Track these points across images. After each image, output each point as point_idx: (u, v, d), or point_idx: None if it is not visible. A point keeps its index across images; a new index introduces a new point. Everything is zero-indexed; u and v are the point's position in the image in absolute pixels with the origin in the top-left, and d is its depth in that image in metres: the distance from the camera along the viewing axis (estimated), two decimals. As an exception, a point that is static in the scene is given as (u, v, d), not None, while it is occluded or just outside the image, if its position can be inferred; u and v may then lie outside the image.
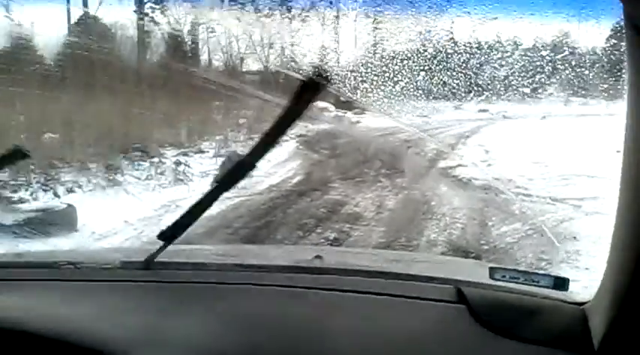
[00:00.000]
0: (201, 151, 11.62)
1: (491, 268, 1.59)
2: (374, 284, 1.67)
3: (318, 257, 1.88)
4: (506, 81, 10.16)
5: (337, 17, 15.13)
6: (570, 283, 1.50)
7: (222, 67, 17.03)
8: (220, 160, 10.30)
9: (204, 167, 10.19)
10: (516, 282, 1.55)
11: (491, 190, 8.08)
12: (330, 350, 1.43)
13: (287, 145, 11.87)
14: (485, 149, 11.31)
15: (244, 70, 17.23)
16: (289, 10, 14.70)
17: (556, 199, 7.64)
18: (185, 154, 11.05)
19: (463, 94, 11.30)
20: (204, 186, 8.75)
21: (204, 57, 17.16)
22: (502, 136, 12.49)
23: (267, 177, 9.12)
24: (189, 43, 16.50)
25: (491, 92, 10.68)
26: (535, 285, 1.54)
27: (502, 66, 10.52)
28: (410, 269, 1.87)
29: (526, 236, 6.15)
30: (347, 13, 14.60)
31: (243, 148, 11.25)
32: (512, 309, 1.49)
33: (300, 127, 13.51)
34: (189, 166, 10.14)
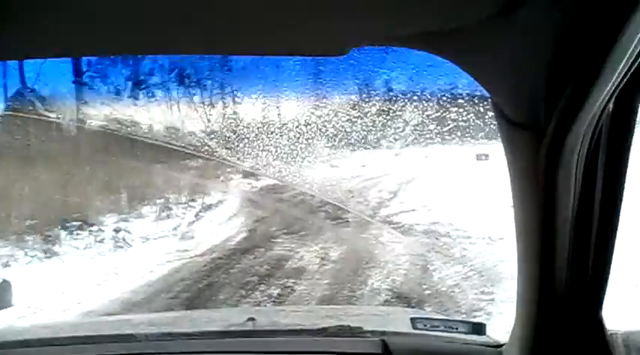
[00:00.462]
0: (142, 216, 11.43)
1: (412, 318, 1.68)
2: (304, 343, 1.75)
3: (251, 319, 1.91)
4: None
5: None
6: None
7: (162, 130, 16.90)
8: (161, 224, 10.20)
9: (144, 232, 10.02)
10: (436, 330, 1.64)
11: (433, 234, 8.19)
12: None
13: (231, 202, 11.81)
14: (425, 194, 11.48)
15: (186, 131, 17.13)
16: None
17: (493, 239, 7.78)
18: (125, 220, 10.85)
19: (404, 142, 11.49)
20: (145, 251, 8.63)
21: (144, 121, 17.01)
22: (440, 179, 12.70)
23: (209, 236, 9.03)
24: (129, 106, 16.36)
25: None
26: (454, 332, 1.63)
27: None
28: (339, 325, 1.91)
29: (466, 278, 6.24)
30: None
31: (184, 210, 11.17)
32: None
33: (243, 184, 13.50)
34: (129, 232, 9.96)
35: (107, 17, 1.01)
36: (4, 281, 7.28)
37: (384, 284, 6.45)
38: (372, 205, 11.09)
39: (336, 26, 1.07)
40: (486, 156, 13.77)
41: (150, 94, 16.14)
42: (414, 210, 10.27)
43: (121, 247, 9.34)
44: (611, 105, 1.06)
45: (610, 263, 1.18)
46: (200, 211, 11.25)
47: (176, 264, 7.47)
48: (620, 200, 1.14)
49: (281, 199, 12.36)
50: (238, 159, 15.14)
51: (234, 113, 16.69)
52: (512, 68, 1.09)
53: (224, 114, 16.54)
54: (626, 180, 1.13)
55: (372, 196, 11.94)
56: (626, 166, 1.12)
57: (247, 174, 14.28)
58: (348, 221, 9.80)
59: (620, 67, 0.94)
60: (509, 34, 1.02)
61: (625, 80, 0.99)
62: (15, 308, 6.68)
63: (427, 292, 6.13)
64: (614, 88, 1.00)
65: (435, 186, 12.03)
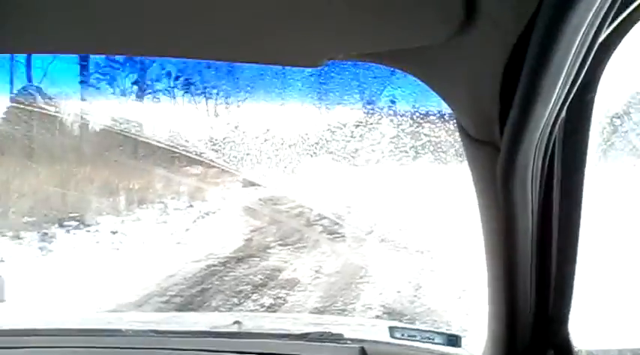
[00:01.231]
0: (139, 219, 11.44)
1: (390, 327, 1.73)
2: (286, 346, 1.78)
3: (237, 322, 1.97)
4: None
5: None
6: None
7: (165, 134, 16.91)
8: (158, 228, 10.22)
9: (141, 235, 10.03)
10: (414, 340, 1.69)
11: (426, 253, 8.21)
12: None
13: (228, 211, 11.82)
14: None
15: (187, 137, 17.12)
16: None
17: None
18: (122, 222, 10.86)
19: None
20: (140, 254, 8.63)
21: (147, 124, 17.02)
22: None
23: (205, 243, 9.05)
24: (134, 109, 16.39)
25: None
26: (431, 342, 1.68)
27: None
28: (321, 331, 1.96)
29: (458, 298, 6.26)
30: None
31: (181, 216, 11.17)
32: None
33: (243, 193, 13.50)
34: (125, 234, 9.97)
35: (103, 15, 1.06)
36: (-2, 276, 7.30)
37: (376, 300, 6.47)
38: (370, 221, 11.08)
39: (308, 39, 1.13)
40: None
41: (155, 99, 16.22)
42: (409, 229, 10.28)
43: (117, 249, 9.35)
44: (562, 116, 1.08)
45: (572, 277, 1.19)
46: (197, 218, 11.28)
47: (171, 269, 7.47)
48: (579, 213, 1.17)
49: (279, 210, 12.37)
50: (238, 168, 15.19)
51: (238, 121, 16.78)
52: (471, 86, 1.12)
53: (227, 122, 16.61)
54: (584, 193, 1.15)
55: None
56: (582, 178, 1.15)
57: (247, 184, 14.31)
58: (344, 236, 9.80)
59: (560, 82, 0.96)
60: (468, 53, 1.06)
61: (572, 91, 1.01)
62: (7, 303, 6.67)
63: (418, 310, 6.15)
64: (560, 101, 1.02)
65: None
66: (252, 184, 14.31)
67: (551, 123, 1.06)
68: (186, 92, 13.48)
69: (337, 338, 1.81)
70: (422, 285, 6.91)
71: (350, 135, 10.17)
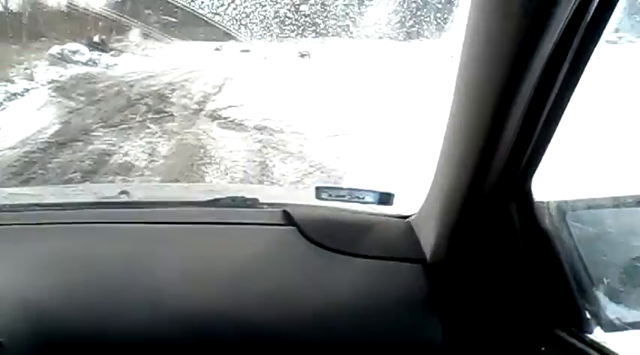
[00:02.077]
0: None
1: (316, 187, 1.59)
2: (191, 214, 1.60)
3: (123, 192, 1.79)
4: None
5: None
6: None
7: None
8: None
9: None
10: (342, 200, 1.57)
11: (266, 131, 8.02)
12: (158, 285, 1.36)
13: (37, 93, 10.63)
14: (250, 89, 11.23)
15: None
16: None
17: (329, 136, 7.79)
18: None
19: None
20: None
21: None
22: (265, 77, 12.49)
23: (17, 128, 8.05)
24: None
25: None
26: (361, 202, 1.57)
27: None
28: (233, 196, 1.75)
29: (307, 174, 6.18)
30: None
31: None
32: (340, 227, 1.51)
33: (51, 72, 12.24)
34: None
35: None
36: None
37: (222, 181, 6.16)
38: (196, 99, 10.60)
39: None
40: (307, 54, 13.83)
41: None
42: (242, 105, 9.98)
43: None
44: None
45: (553, 133, 1.10)
46: (4, 100, 9.95)
47: (-20, 159, 6.55)
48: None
49: (95, 90, 11.39)
50: (43, 43, 13.78)
51: None
52: None
53: None
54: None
55: (196, 90, 11.43)
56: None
57: (55, 61, 12.99)
58: (172, 115, 9.28)
59: None
60: None
61: None
62: None
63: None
64: None
65: (261, 82, 11.80)
66: (61, 61, 13.06)
67: None
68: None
69: (254, 203, 1.64)
70: (268, 165, 6.71)
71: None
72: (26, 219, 1.55)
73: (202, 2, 9.40)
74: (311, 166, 6.34)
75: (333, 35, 11.37)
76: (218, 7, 9.44)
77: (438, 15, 8.73)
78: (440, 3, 8.11)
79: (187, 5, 9.93)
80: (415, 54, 9.77)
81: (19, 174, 6.27)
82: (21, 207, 1.66)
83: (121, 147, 7.47)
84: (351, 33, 11.21)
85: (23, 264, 1.40)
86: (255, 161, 6.83)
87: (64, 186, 5.11)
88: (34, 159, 6.83)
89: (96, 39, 14.46)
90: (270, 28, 10.09)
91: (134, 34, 15.07)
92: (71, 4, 15.09)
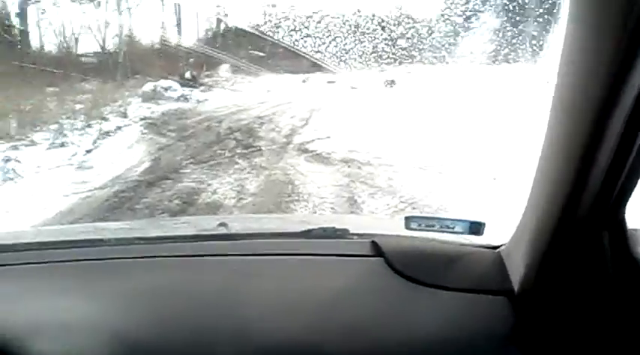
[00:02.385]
0: (34, 144, 10.23)
1: (406, 217, 1.58)
2: (285, 246, 1.63)
3: (222, 224, 1.85)
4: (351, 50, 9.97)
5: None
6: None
7: (55, 49, 15.52)
8: (55, 151, 9.19)
9: (37, 161, 8.95)
10: (432, 230, 1.55)
11: (354, 163, 7.80)
12: (249, 316, 1.38)
13: (130, 130, 10.89)
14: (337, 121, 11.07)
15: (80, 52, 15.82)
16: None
17: (421, 168, 7.47)
18: (15, 148, 9.67)
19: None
20: (38, 183, 7.71)
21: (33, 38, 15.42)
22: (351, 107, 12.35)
23: (108, 167, 8.20)
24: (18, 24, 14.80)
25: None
26: (451, 232, 1.55)
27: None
28: (323, 227, 1.77)
29: (398, 210, 5.88)
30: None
31: (80, 137, 10.17)
32: (428, 258, 1.49)
33: (143, 109, 12.58)
34: (19, 162, 8.86)
35: None
36: None
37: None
38: (284, 133, 10.54)
39: None
40: (393, 82, 13.61)
41: (41, 11, 14.67)
42: (329, 137, 9.83)
43: (11, 179, 8.27)
44: None
45: None
46: (98, 138, 10.23)
47: (74, 199, 6.63)
48: None
49: (185, 125, 11.58)
50: (137, 80, 14.29)
51: (131, 31, 15.74)
52: None
53: (121, 33, 15.52)
54: None
55: (284, 123, 11.40)
56: None
57: (148, 98, 13.38)
58: (260, 149, 9.23)
59: None
60: None
61: None
62: None
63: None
64: None
65: (346, 113, 11.67)
66: (153, 98, 13.47)
67: None
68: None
69: (344, 234, 1.67)
70: (357, 200, 6.44)
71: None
72: (130, 252, 1.61)
73: (291, 35, 9.52)
74: (402, 202, 6.03)
75: (418, 62, 11.22)
76: (305, 37, 9.53)
77: (534, 42, 8.45)
78: (535, 30, 7.86)
79: (277, 39, 10.08)
80: (509, 80, 9.42)
81: (106, 218, 6.27)
82: (125, 241, 1.76)
83: (209, 184, 7.43)
84: (440, 60, 11.00)
85: (123, 297, 1.45)
86: (343, 196, 6.58)
87: (166, 218, 5.27)
88: (124, 199, 6.87)
89: (187, 75, 14.95)
90: (357, 59, 10.03)
91: (224, 69, 15.50)
92: (164, 42, 15.70)
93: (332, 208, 6.17)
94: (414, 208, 5.89)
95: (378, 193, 6.51)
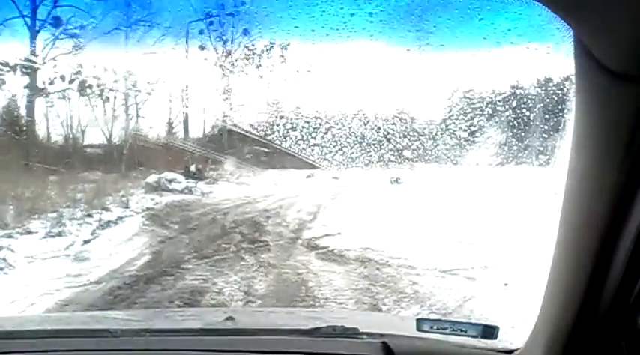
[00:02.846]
0: (30, 232, 9.68)
1: (418, 320, 1.57)
2: (293, 343, 1.63)
3: (229, 318, 1.85)
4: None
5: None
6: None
7: (61, 139, 15.46)
8: (52, 242, 8.67)
9: (31, 250, 8.37)
10: (444, 333, 1.54)
11: (370, 264, 7.27)
12: None
13: (131, 221, 10.41)
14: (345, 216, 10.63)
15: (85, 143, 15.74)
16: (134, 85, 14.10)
17: (444, 271, 6.91)
18: (9, 236, 9.13)
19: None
20: (30, 274, 7.17)
21: (41, 129, 15.36)
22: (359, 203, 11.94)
23: (106, 259, 7.65)
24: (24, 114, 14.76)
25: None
26: (463, 335, 1.53)
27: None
28: (332, 325, 1.73)
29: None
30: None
31: (78, 227, 9.68)
32: None
33: (146, 200, 12.22)
34: (12, 251, 8.29)
35: None
36: None
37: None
38: (292, 227, 10.05)
39: None
40: (399, 180, 13.39)
41: (50, 104, 14.66)
42: (339, 234, 9.32)
43: (1, 269, 7.70)
44: None
45: None
46: (97, 228, 9.74)
47: (66, 294, 6.08)
48: None
49: (189, 218, 11.11)
50: (141, 172, 14.10)
51: (138, 124, 15.80)
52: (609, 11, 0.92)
53: (127, 126, 15.59)
54: None
55: (291, 217, 10.95)
56: None
57: (151, 190, 13.05)
58: (268, 244, 8.69)
59: None
60: None
61: None
62: None
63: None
64: None
65: (354, 209, 11.27)
66: (156, 190, 13.16)
67: None
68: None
69: (354, 333, 1.64)
70: (383, 307, 5.80)
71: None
72: (136, 344, 1.61)
73: (295, 138, 9.33)
74: (432, 312, 5.41)
75: (422, 161, 11.04)
76: (309, 137, 9.33)
77: (540, 154, 8.37)
78: (542, 144, 7.75)
79: (279, 145, 9.94)
80: (518, 184, 9.20)
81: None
82: (131, 332, 1.74)
83: (214, 283, 6.84)
84: (445, 161, 10.83)
85: None
86: (364, 303, 5.95)
87: (172, 310, 5.01)
88: (119, 297, 6.24)
89: (192, 168, 14.78)
90: (361, 158, 9.82)
91: (229, 163, 15.32)
92: (170, 136, 15.66)
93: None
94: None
95: (404, 300, 5.91)
